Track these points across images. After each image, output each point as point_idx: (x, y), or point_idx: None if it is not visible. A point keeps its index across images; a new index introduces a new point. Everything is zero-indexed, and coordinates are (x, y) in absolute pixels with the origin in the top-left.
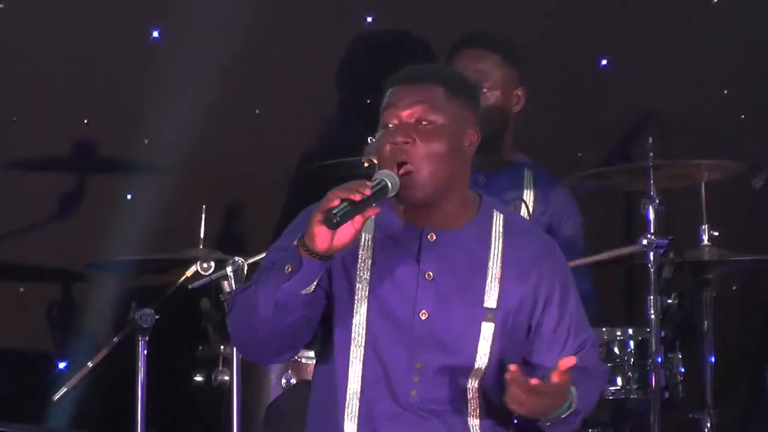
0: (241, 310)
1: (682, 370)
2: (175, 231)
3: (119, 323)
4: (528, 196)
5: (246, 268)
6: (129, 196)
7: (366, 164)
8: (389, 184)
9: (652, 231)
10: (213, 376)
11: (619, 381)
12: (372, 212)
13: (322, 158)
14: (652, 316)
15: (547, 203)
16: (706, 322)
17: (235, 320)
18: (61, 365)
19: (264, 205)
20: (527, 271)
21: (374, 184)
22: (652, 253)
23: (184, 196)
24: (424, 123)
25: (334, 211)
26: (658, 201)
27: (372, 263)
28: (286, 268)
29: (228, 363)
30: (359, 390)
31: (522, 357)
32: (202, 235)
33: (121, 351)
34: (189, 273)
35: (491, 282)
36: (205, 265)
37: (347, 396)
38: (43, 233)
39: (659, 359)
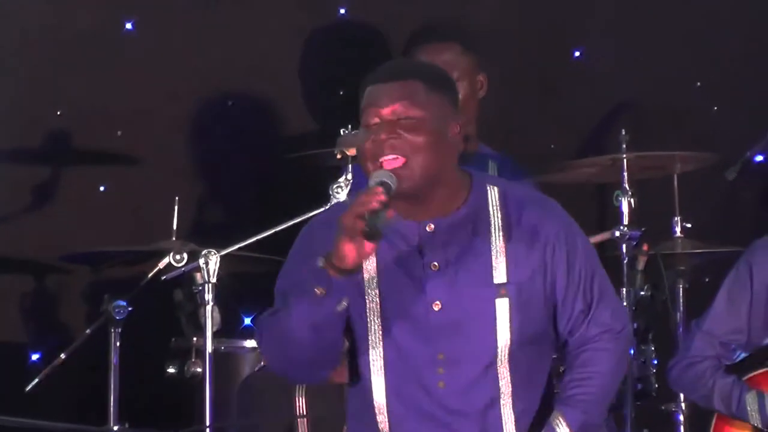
0: (273, 338)
1: (655, 361)
2: (147, 222)
3: (92, 315)
4: None
5: (218, 259)
6: (102, 188)
7: (339, 156)
8: (392, 184)
9: (624, 223)
10: (186, 368)
11: None
12: (390, 215)
13: (294, 150)
14: (625, 308)
15: None
16: (678, 314)
17: (269, 346)
18: (34, 356)
19: (237, 197)
20: (532, 239)
21: (383, 189)
22: (624, 245)
23: (156, 187)
24: (405, 119)
25: (371, 224)
26: (630, 192)
27: (377, 266)
28: (318, 291)
29: (200, 354)
30: (385, 389)
31: (545, 330)
32: (174, 227)
33: (94, 342)
34: (162, 264)
35: (497, 257)
36: (178, 256)
37: (375, 400)
38: (16, 225)
39: (632, 351)
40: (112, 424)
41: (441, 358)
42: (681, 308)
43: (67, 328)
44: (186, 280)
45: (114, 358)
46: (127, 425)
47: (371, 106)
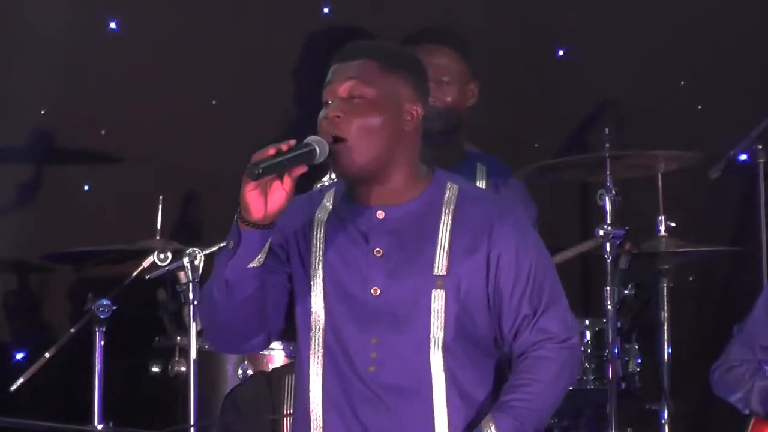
0: (203, 301)
1: (639, 360)
2: (131, 221)
3: (76, 314)
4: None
5: (203, 258)
6: (86, 187)
7: None
8: (316, 148)
9: (608, 222)
10: (170, 367)
11: None
12: (298, 171)
13: None
14: (609, 307)
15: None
16: (662, 313)
17: (201, 312)
18: (19, 356)
19: (220, 196)
20: (478, 237)
21: (297, 144)
22: (608, 244)
23: (140, 186)
24: (356, 98)
25: (258, 164)
26: (614, 191)
27: (324, 245)
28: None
29: (184, 353)
30: (322, 371)
31: (489, 331)
32: (158, 226)
33: (78, 341)
34: (146, 264)
35: (440, 250)
36: (161, 255)
37: (310, 378)
38: None
39: (616, 350)
40: (96, 423)
41: (374, 342)
42: (665, 307)
43: (50, 327)
44: (170, 279)
45: (98, 357)
46: (111, 424)
47: (328, 84)
